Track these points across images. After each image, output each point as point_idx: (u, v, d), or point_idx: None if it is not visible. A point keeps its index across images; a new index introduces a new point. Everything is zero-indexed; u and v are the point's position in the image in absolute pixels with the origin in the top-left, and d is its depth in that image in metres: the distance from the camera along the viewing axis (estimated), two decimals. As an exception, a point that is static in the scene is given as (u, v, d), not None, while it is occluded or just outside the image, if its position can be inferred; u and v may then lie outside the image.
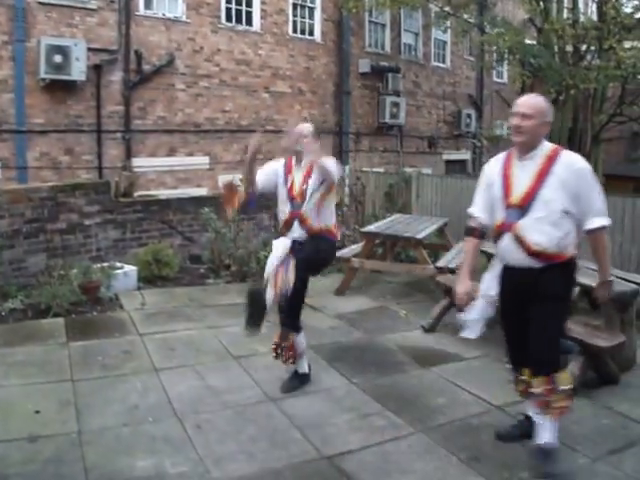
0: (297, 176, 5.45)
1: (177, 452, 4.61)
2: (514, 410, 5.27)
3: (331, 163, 5.25)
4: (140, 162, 12.66)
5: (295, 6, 16.01)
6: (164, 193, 11.85)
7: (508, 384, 5.36)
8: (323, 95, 16.51)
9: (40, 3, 11.67)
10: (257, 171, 5.51)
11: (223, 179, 12.98)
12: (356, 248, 9.66)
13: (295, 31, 16.02)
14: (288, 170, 5.52)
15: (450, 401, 5.58)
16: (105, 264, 8.69)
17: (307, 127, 5.50)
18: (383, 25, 18.54)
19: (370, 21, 18.05)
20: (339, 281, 9.32)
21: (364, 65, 17.35)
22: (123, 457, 4.54)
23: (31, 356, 6.46)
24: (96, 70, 12.26)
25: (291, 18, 15.85)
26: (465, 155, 21.56)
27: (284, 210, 5.51)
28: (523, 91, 19.50)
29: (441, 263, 8.40)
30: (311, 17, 16.47)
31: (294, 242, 5.40)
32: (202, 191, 12.99)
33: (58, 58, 11.37)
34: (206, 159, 13.94)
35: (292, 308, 5.53)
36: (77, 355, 6.51)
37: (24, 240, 8.64)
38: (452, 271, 7.91)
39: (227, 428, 5.00)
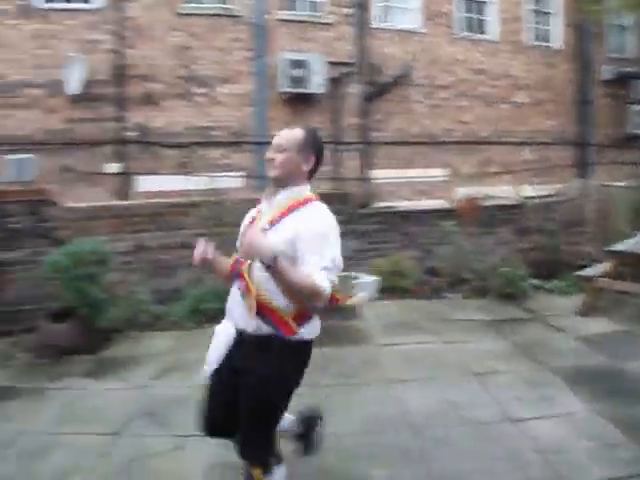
0: (264, 214, 3.66)
1: (413, 465, 4.58)
2: None
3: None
4: (377, 174, 12.60)
5: (532, 13, 15.46)
6: (401, 205, 11.72)
7: None
8: (563, 105, 15.78)
9: (279, 20, 11.98)
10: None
11: (462, 192, 12.77)
12: (600, 267, 9.05)
13: (533, 39, 15.45)
14: (259, 202, 3.80)
15: None
16: (344, 274, 8.61)
17: (296, 132, 3.71)
18: (627, 28, 17.55)
19: (611, 25, 17.12)
20: (580, 301, 8.83)
21: (607, 72, 16.46)
22: (359, 464, 4.61)
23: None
24: (334, 83, 12.36)
25: (529, 25, 15.31)
26: None
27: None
28: None
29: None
30: (549, 23, 15.84)
31: (239, 335, 3.59)
32: (439, 203, 12.75)
33: (297, 72, 11.59)
34: (444, 171, 13.67)
35: (251, 431, 3.68)
36: (316, 360, 6.45)
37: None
38: None
39: (466, 445, 4.86)
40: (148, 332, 7.98)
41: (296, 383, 3.69)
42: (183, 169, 10.78)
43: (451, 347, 7.18)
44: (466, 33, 14.17)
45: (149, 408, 5.68)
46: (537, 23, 15.59)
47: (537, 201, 11.20)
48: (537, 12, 15.60)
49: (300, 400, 5.43)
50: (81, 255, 7.39)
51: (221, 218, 8.29)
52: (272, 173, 3.58)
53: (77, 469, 4.61)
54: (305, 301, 3.37)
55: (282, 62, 11.60)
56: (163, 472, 4.50)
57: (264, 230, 3.44)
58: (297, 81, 11.63)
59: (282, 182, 3.59)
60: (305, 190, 3.65)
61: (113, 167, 10.42)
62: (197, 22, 11.34)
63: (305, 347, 3.67)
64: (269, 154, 3.60)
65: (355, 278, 8.60)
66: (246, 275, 3.48)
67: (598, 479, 4.39)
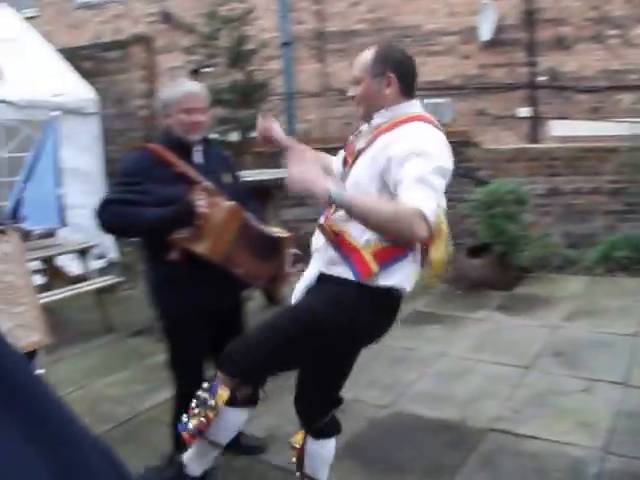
0: (358, 140, 3.05)
1: None
2: None
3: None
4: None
5: None
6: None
7: None
8: None
9: None
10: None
11: None
12: None
13: None
14: (349, 146, 3.13)
15: None
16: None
17: (367, 55, 2.95)
18: None
19: None
20: None
21: None
22: None
23: None
24: None
25: None
26: None
27: None
28: None
29: None
30: None
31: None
32: None
33: None
34: None
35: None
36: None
37: None
38: None
39: None
40: (559, 275, 7.98)
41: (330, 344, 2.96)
42: (596, 114, 10.41)
43: None
44: None
45: (559, 347, 5.69)
46: None
47: None
48: None
49: None
50: (500, 194, 7.69)
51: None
52: (359, 110, 2.99)
53: (490, 394, 4.82)
54: (402, 238, 2.67)
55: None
56: (571, 410, 4.47)
57: (346, 166, 3.00)
58: None
59: (369, 115, 2.97)
60: (402, 110, 2.92)
61: (525, 111, 10.37)
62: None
63: (382, 300, 2.90)
64: (350, 92, 3.01)
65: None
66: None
67: None
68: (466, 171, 8.60)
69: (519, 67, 10.41)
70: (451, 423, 4.39)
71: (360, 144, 2.93)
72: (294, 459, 3.29)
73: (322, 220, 2.92)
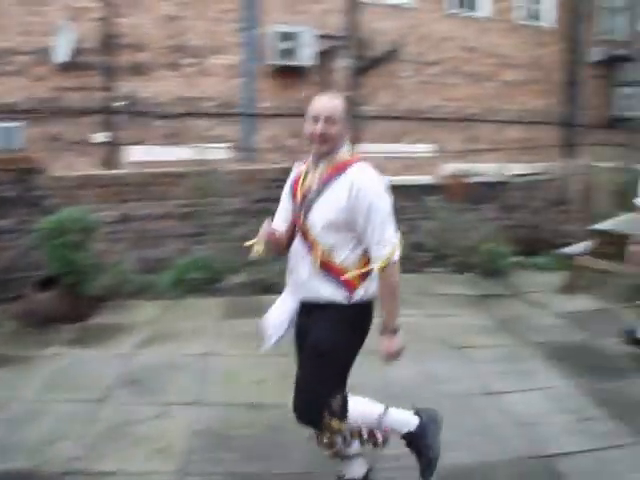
0: (309, 176, 3.63)
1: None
2: None
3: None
4: (365, 148, 12.62)
5: (525, -9, 15.49)
6: (388, 179, 11.74)
7: None
8: (552, 84, 15.82)
9: (271, -9, 11.93)
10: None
11: (448, 168, 12.82)
12: (584, 245, 9.14)
13: (524, 17, 15.44)
14: (297, 178, 3.75)
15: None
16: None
17: (339, 102, 3.54)
18: (618, 10, 17.55)
19: (603, 7, 17.12)
20: (562, 278, 8.96)
21: (596, 53, 16.49)
22: None
23: (254, 329, 6.59)
24: (323, 56, 12.36)
25: (520, 4, 15.29)
26: None
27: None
28: None
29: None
30: (540, 3, 15.85)
31: (303, 307, 3.65)
32: (426, 179, 12.80)
33: (287, 44, 11.58)
34: (430, 147, 13.69)
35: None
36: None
37: (251, 219, 8.80)
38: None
39: (445, 417, 4.84)
40: (135, 301, 7.99)
41: (356, 348, 3.66)
42: (171, 139, 10.80)
43: (433, 321, 7.26)
44: (457, 10, 14.15)
45: (133, 376, 5.73)
46: (529, 2, 15.58)
47: (523, 179, 11.27)
48: (529, -9, 15.59)
49: (281, 368, 5.60)
50: (67, 223, 7.38)
51: (208, 189, 8.34)
52: (322, 148, 3.46)
53: (64, 435, 4.65)
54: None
55: (272, 34, 11.58)
56: (147, 438, 4.55)
57: (311, 199, 3.49)
58: (286, 53, 11.63)
59: (329, 153, 3.49)
60: (345, 152, 3.54)
61: (101, 136, 10.38)
62: (187, -9, 11.27)
63: (359, 311, 3.57)
64: (318, 127, 3.42)
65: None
66: (310, 235, 3.46)
67: (572, 451, 4.48)
68: (34, 200, 8.20)
69: (97, 91, 10.38)
70: (23, 473, 4.14)
71: (313, 183, 3.49)
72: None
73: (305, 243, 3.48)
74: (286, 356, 5.87)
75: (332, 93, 3.62)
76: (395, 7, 13.26)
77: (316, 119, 3.44)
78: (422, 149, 13.53)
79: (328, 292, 3.45)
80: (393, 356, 3.61)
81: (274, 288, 7.76)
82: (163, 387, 5.44)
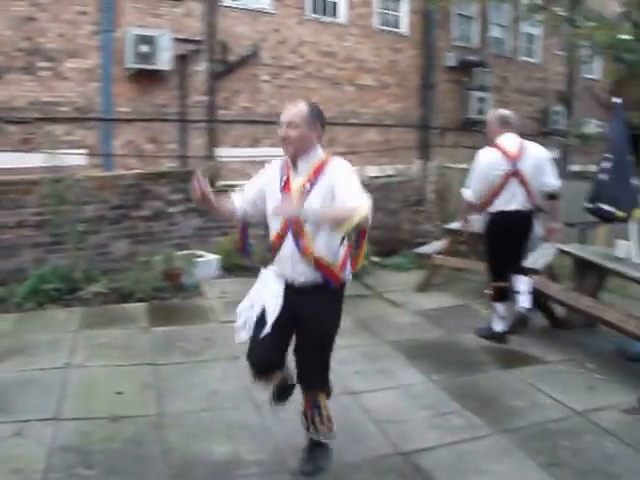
0: (295, 180, 4.02)
1: (255, 440, 4.64)
2: (596, 416, 5.18)
3: (351, 194, 3.77)
4: (223, 152, 12.66)
5: (382, -2, 15.88)
6: (245, 183, 11.78)
7: (590, 390, 5.58)
8: (408, 89, 16.29)
9: (128, -6, 11.78)
10: (231, 197, 4.35)
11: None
12: (439, 245, 9.50)
13: (381, 23, 15.83)
14: (286, 168, 4.10)
15: (530, 404, 5.46)
16: (187, 252, 8.71)
17: (301, 107, 4.01)
18: (471, 18, 18.19)
19: (457, 14, 17.73)
20: (420, 277, 9.23)
21: (450, 59, 17.07)
22: (202, 441, 4.60)
23: (114, 339, 6.58)
24: (182, 60, 12.32)
25: (377, 10, 15.68)
26: (553, 154, 20.96)
27: (275, 227, 4.09)
28: (615, 87, 19.15)
29: (526, 264, 8.16)
30: (397, 9, 16.26)
31: (287, 289, 4.07)
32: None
33: (144, 48, 11.46)
34: (289, 150, 13.78)
35: (318, 365, 4.27)
36: (158, 340, 6.59)
37: (109, 226, 8.77)
38: (536, 272, 7.68)
39: None
40: None
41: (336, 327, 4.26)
42: (27, 146, 10.49)
43: (293, 322, 7.33)
44: (316, 15, 14.36)
45: None
46: (386, 8, 15.96)
47: (380, 181, 11.53)
48: (387, -3, 15.97)
49: (142, 379, 5.59)
50: None
51: (64, 196, 8.19)
52: (288, 149, 3.96)
53: None
54: (353, 223, 3.64)
55: (129, 37, 11.44)
56: (4, 459, 4.36)
57: (302, 196, 3.86)
58: (144, 57, 11.51)
59: (298, 154, 3.97)
60: (320, 153, 4.03)
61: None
62: (42, -8, 10.96)
63: (343, 288, 4.21)
64: (282, 132, 3.93)
65: (198, 256, 8.70)
66: (305, 236, 3.92)
67: (432, 446, 4.64)
68: None
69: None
70: None
71: (301, 180, 3.93)
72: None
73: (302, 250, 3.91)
74: (146, 366, 5.93)
75: (300, 101, 4.07)
76: (254, 11, 13.37)
77: (281, 124, 3.96)
78: (280, 152, 13.62)
79: (320, 281, 4.00)
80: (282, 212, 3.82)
81: (132, 296, 7.73)
82: (18, 404, 5.20)
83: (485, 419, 5.10)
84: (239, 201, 4.34)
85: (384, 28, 15.88)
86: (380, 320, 7.69)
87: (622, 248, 7.19)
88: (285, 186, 4.03)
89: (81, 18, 11.33)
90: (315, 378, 4.23)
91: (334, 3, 14.83)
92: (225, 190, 9.80)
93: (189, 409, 5.10)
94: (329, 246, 3.96)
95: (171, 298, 7.95)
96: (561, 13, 16.05)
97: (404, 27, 16.30)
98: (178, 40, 12.12)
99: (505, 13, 18.96)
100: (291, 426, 4.72)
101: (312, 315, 4.04)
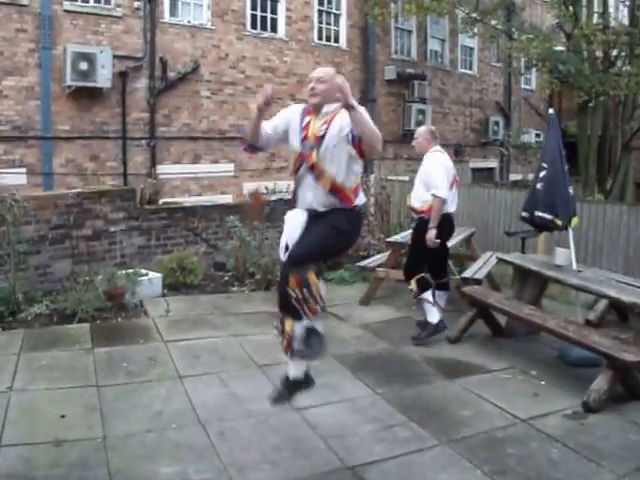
0: (315, 122, 4.64)
1: (201, 459, 4.62)
2: (541, 423, 5.28)
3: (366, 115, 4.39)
4: (165, 169, 12.67)
5: (320, 13, 16.03)
6: (189, 200, 11.85)
7: (534, 397, 5.66)
8: (348, 102, 16.40)
9: (66, 11, 11.77)
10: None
11: (249, 187, 13.04)
12: (381, 258, 9.57)
13: (320, 38, 16.02)
14: (307, 113, 4.71)
15: (475, 413, 5.53)
16: (130, 271, 8.67)
17: (330, 69, 4.82)
18: (409, 32, 18.47)
19: (396, 28, 17.98)
20: (363, 290, 9.29)
21: (390, 72, 17.29)
22: (147, 463, 4.56)
23: (56, 361, 6.49)
24: (121, 77, 12.33)
25: (316, 25, 15.85)
26: (492, 163, 21.42)
27: (294, 147, 4.75)
28: (552, 98, 19.57)
29: (467, 274, 8.32)
30: (336, 24, 16.46)
31: (309, 212, 4.67)
32: (227, 198, 12.98)
33: (84, 65, 11.43)
34: (231, 166, 13.93)
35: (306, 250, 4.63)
36: (102, 361, 6.52)
37: (50, 246, 8.69)
38: (478, 282, 7.85)
39: (251, 436, 4.99)
40: None
41: (351, 243, 4.96)
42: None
43: (237, 340, 7.27)
44: (256, 31, 14.45)
45: None
46: (326, 23, 16.12)
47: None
48: (326, 13, 16.14)
49: (85, 401, 5.55)
50: None
51: (3, 216, 8.10)
52: (314, 99, 4.60)
53: None
54: (373, 144, 4.33)
55: (68, 55, 11.40)
56: None
57: (321, 133, 4.54)
58: (83, 75, 11.49)
59: (321, 105, 4.61)
60: (337, 106, 4.43)
61: None
62: (-21, 10, 10.84)
63: (360, 213, 4.82)
64: (311, 85, 4.60)
65: (141, 275, 8.67)
66: (318, 164, 4.53)
67: (379, 459, 4.67)
68: None
69: None
70: None
71: (319, 125, 4.55)
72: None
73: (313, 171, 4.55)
74: (89, 388, 5.89)
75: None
76: (194, 27, 13.44)
77: (311, 80, 4.64)
78: (222, 169, 13.70)
79: (337, 203, 4.60)
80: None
81: (74, 317, 7.67)
82: (-43, 431, 5.11)
83: (431, 430, 5.14)
84: (265, 126, 4.80)
85: (324, 42, 16.05)
86: (325, 334, 7.71)
87: (561, 256, 7.37)
88: (306, 126, 4.68)
89: (19, 35, 11.29)
90: (304, 254, 4.53)
91: (273, 19, 14.94)
92: (168, 208, 9.95)
93: (134, 430, 5.04)
94: (342, 172, 4.55)
95: (114, 318, 7.87)
96: (497, 26, 16.35)
97: (343, 41, 16.48)
98: (118, 57, 12.13)
99: (443, 27, 19.28)
100: (237, 444, 4.78)
101: (324, 220, 4.58)
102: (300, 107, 4.84)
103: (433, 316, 7.27)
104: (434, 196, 7.10)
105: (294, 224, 4.68)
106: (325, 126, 4.57)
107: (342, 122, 4.46)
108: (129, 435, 4.97)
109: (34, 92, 11.49)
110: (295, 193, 4.81)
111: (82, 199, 9.02)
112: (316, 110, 4.67)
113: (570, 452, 4.79)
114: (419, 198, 7.42)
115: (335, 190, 4.59)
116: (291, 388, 4.84)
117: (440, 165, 7.32)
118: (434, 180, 7.17)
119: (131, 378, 6.14)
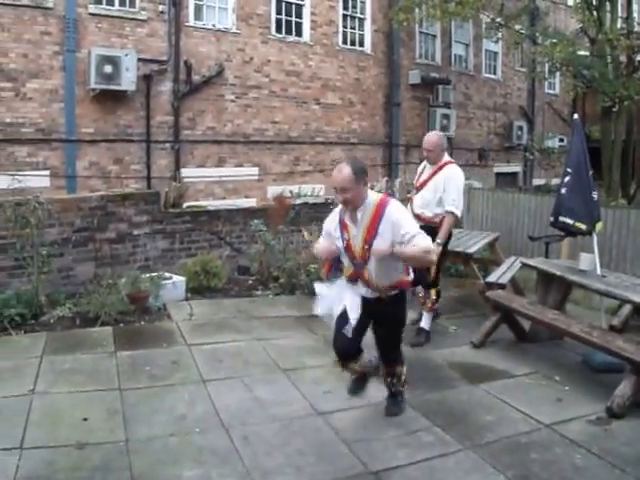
0: (354, 231, 4.87)
1: (224, 464, 4.58)
2: (565, 429, 5.24)
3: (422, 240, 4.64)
4: (189, 172, 12.65)
5: (345, 17, 15.97)
6: (213, 204, 11.80)
7: (557, 402, 5.65)
8: (373, 107, 16.41)
9: (91, 14, 11.78)
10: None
11: (273, 191, 12.98)
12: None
13: (345, 42, 15.96)
14: (343, 226, 4.91)
15: (498, 418, 5.49)
16: (154, 274, 8.62)
17: (346, 172, 4.71)
18: (434, 36, 18.39)
19: (420, 32, 17.90)
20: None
21: (414, 76, 17.21)
22: (170, 467, 4.53)
23: (79, 364, 6.45)
24: (146, 80, 12.31)
25: (341, 29, 15.80)
26: (516, 168, 21.28)
27: (345, 262, 5.05)
28: (575, 103, 19.43)
29: (491, 278, 8.19)
30: (361, 28, 16.39)
31: (364, 300, 5.01)
32: (251, 202, 12.95)
33: (108, 68, 11.44)
34: (255, 170, 13.91)
35: (395, 347, 5.53)
36: (125, 364, 6.47)
37: (73, 249, 8.65)
38: (502, 287, 7.75)
39: (274, 441, 4.95)
40: None
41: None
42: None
43: (261, 344, 7.21)
44: (280, 35, 14.41)
45: None
46: (351, 28, 16.08)
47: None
48: (351, 17, 16.08)
49: (108, 404, 5.51)
50: None
51: (27, 219, 8.06)
52: (348, 206, 4.80)
53: None
54: (421, 263, 4.77)
55: (93, 58, 11.41)
56: None
57: (366, 245, 4.79)
58: (108, 77, 11.49)
59: (357, 207, 4.79)
60: (372, 199, 4.84)
61: None
62: (3, 12, 10.90)
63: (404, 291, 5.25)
64: (339, 196, 4.77)
65: (164, 278, 8.62)
66: (368, 279, 4.91)
67: (402, 464, 4.64)
68: None
69: None
70: None
71: (366, 230, 4.75)
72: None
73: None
74: (112, 391, 5.84)
75: (341, 164, 4.76)
76: (219, 31, 13.41)
77: (336, 190, 4.78)
78: (246, 172, 13.66)
79: (391, 292, 5.01)
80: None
81: (97, 320, 7.62)
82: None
83: (454, 435, 5.11)
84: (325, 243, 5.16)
85: (348, 47, 15.98)
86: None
87: (585, 261, 7.28)
88: (344, 229, 4.91)
89: (44, 38, 11.31)
90: (392, 357, 5.42)
91: (298, 23, 14.90)
92: (192, 211, 9.89)
93: (157, 434, 5.01)
94: (389, 274, 4.91)
95: (137, 321, 7.82)
96: (521, 31, 16.25)
97: (368, 45, 16.41)
98: (142, 60, 12.12)
99: (467, 31, 19.17)
100: (261, 448, 4.73)
101: (387, 315, 5.11)
102: (336, 215, 5.06)
103: (429, 324, 7.57)
104: (451, 213, 7.02)
105: (352, 301, 4.99)
106: (367, 241, 4.78)
107: (386, 235, 4.71)
108: (152, 439, 4.95)
109: (58, 95, 11.51)
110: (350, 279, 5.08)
111: (106, 202, 8.97)
112: (352, 212, 4.88)
113: (594, 458, 4.76)
114: (431, 208, 7.20)
115: (389, 288, 4.98)
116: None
117: (462, 182, 7.23)
118: (457, 198, 7.07)
119: (154, 382, 6.10)
